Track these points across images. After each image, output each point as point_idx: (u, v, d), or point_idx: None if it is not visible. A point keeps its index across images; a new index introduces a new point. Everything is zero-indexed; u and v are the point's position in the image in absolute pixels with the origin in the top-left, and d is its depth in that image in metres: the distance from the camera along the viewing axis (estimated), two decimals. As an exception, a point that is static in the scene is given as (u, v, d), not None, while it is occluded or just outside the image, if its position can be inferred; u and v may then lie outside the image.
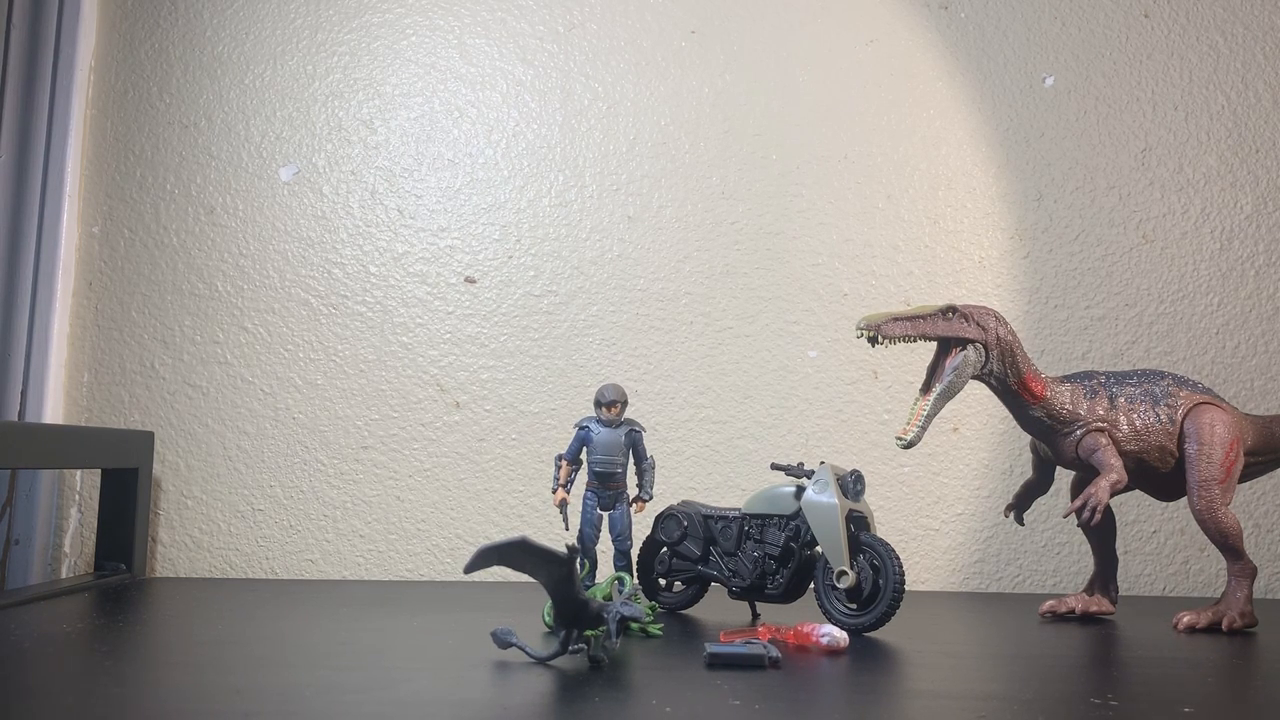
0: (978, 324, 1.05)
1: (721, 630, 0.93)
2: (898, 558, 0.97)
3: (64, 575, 1.38)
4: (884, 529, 1.38)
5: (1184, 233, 1.49)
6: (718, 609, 1.10)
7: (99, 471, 1.35)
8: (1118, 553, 1.19)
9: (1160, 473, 1.09)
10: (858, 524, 1.00)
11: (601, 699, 0.69)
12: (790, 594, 1.03)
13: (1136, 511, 1.43)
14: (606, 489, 1.08)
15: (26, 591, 1.19)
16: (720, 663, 0.79)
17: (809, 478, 1.02)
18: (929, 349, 1.07)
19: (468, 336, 1.46)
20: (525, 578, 0.79)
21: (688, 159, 1.50)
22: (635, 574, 1.10)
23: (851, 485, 1.00)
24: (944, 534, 1.45)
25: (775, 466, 1.05)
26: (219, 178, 1.48)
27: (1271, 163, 1.51)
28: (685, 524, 1.09)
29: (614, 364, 1.46)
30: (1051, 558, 1.44)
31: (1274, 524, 1.45)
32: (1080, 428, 1.07)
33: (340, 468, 1.44)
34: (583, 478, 1.10)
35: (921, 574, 1.42)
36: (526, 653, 0.80)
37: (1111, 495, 1.04)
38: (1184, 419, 1.08)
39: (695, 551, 1.08)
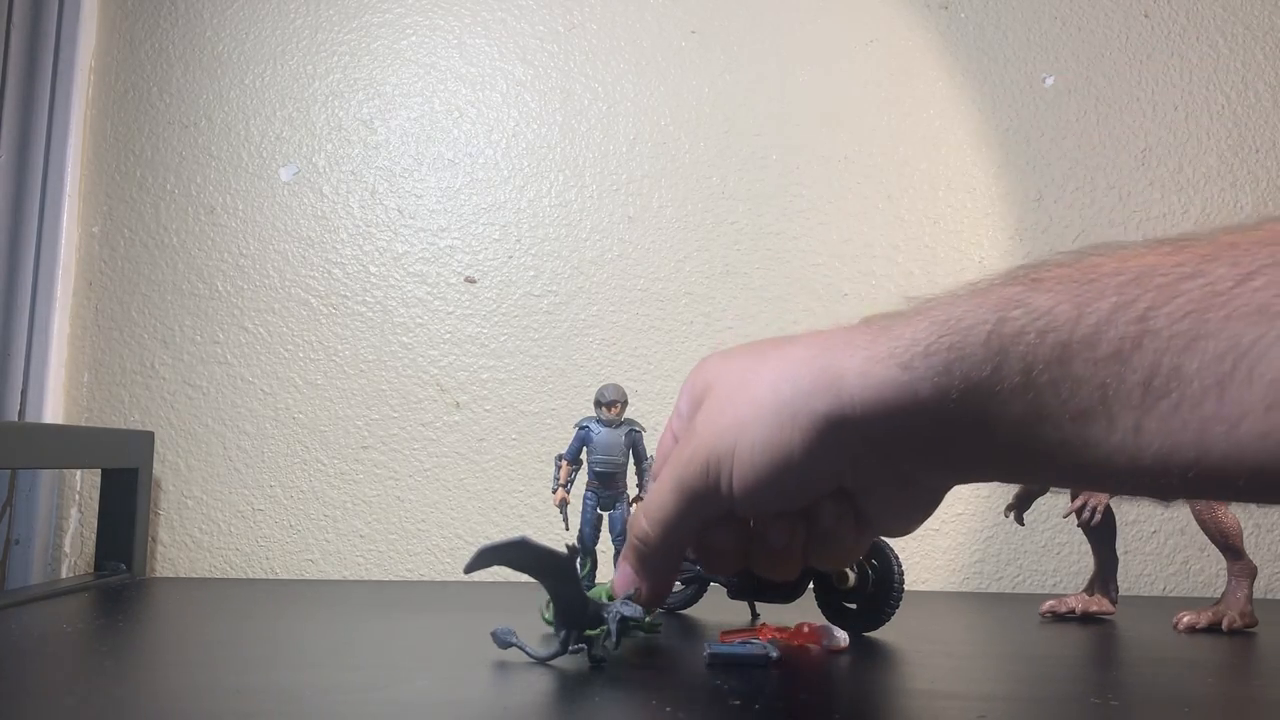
0: (978, 324, 1.05)
1: (721, 630, 0.93)
2: (897, 558, 0.97)
3: (64, 575, 1.38)
4: (884, 529, 1.38)
5: (1184, 233, 1.49)
6: (718, 609, 1.10)
7: (99, 471, 1.35)
8: (1118, 553, 1.19)
9: (1160, 473, 1.09)
10: (858, 524, 1.00)
11: (601, 699, 0.69)
12: (790, 594, 1.03)
13: (1136, 511, 1.43)
14: (606, 489, 1.08)
15: (26, 591, 1.19)
16: (720, 663, 0.79)
17: (809, 478, 1.01)
18: (929, 349, 1.07)
19: (468, 336, 1.46)
20: (525, 578, 0.78)
21: (688, 159, 1.50)
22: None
23: (851, 485, 1.00)
24: (944, 534, 1.45)
25: (775, 466, 1.05)
26: (219, 178, 1.48)
27: (1271, 163, 1.51)
28: (685, 524, 1.09)
29: (614, 364, 1.46)
30: (1051, 558, 1.44)
31: (1274, 524, 1.45)
32: (1080, 428, 1.07)
33: (340, 468, 1.44)
34: (583, 478, 1.10)
35: (921, 574, 1.42)
36: (526, 653, 0.80)
37: (1111, 495, 1.04)
38: (1184, 419, 1.08)
39: (695, 551, 1.08)
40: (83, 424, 1.42)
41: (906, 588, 0.97)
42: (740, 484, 0.56)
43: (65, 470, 1.39)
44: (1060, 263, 0.48)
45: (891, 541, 1.08)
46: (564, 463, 1.09)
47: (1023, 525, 1.23)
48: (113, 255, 1.46)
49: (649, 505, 0.60)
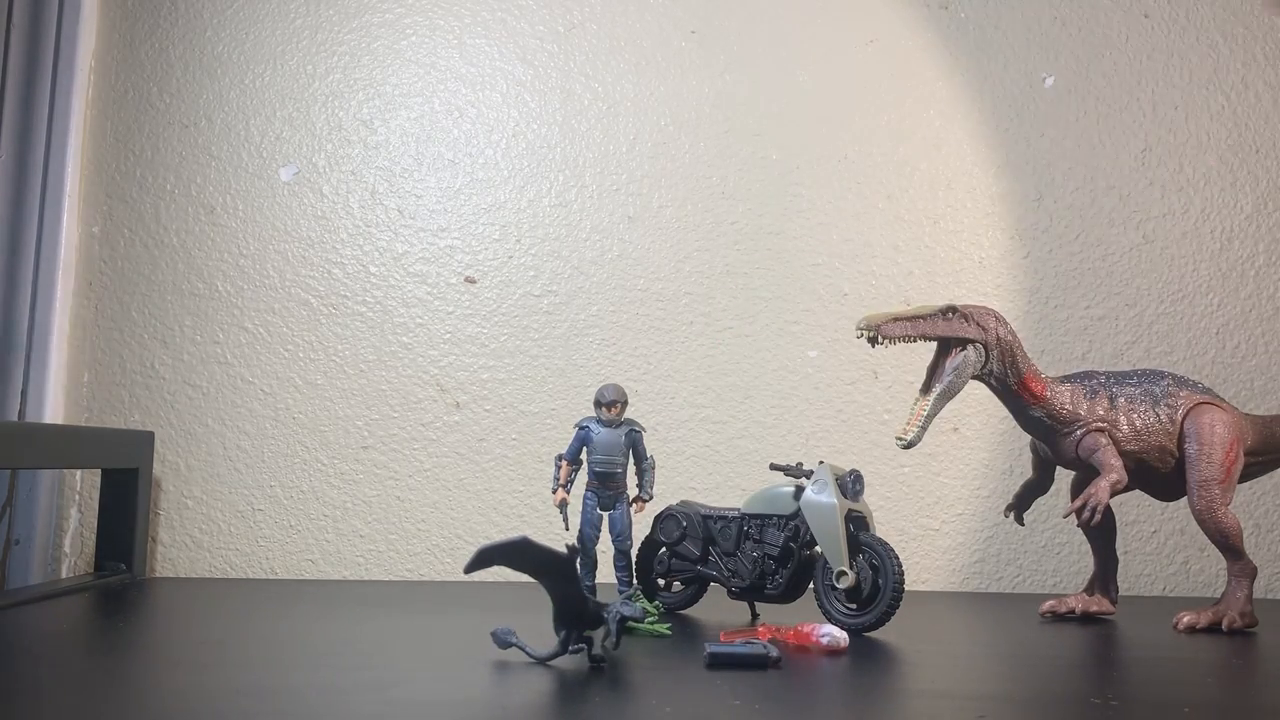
0: (978, 324, 1.05)
1: (721, 630, 0.93)
2: (897, 557, 0.97)
3: (64, 575, 1.38)
4: (884, 529, 1.38)
5: (1184, 233, 1.49)
6: (718, 609, 1.10)
7: (99, 471, 1.35)
8: (1118, 553, 1.19)
9: (1160, 473, 1.09)
10: (857, 524, 1.00)
11: (601, 699, 0.69)
12: (790, 594, 1.03)
13: (1136, 511, 1.43)
14: (606, 489, 1.08)
15: (26, 591, 1.19)
16: (720, 663, 0.79)
17: (808, 478, 1.02)
18: (929, 349, 1.07)
19: (468, 336, 1.46)
20: (525, 578, 0.79)
21: (688, 159, 1.50)
22: (634, 574, 1.10)
23: (850, 485, 1.00)
24: (944, 534, 1.45)
25: (774, 467, 1.05)
26: (219, 178, 1.48)
27: (1271, 163, 1.51)
28: (684, 524, 1.09)
29: (614, 364, 1.46)
30: (1051, 558, 1.44)
31: (1274, 524, 1.45)
32: (1080, 428, 1.07)
33: (340, 468, 1.44)
34: (583, 478, 1.10)
35: (921, 574, 1.42)
36: (526, 653, 0.80)
37: (1111, 495, 1.04)
38: (1184, 419, 1.08)
39: (694, 552, 1.08)
40: (83, 424, 1.42)
41: (906, 588, 0.97)
42: None
43: (65, 470, 1.39)
44: None
45: (891, 541, 1.08)
46: (564, 463, 1.09)
47: (1023, 525, 1.23)
48: (113, 255, 1.46)
49: None
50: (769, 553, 1.03)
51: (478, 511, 1.43)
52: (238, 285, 1.46)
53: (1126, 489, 1.07)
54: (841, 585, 0.97)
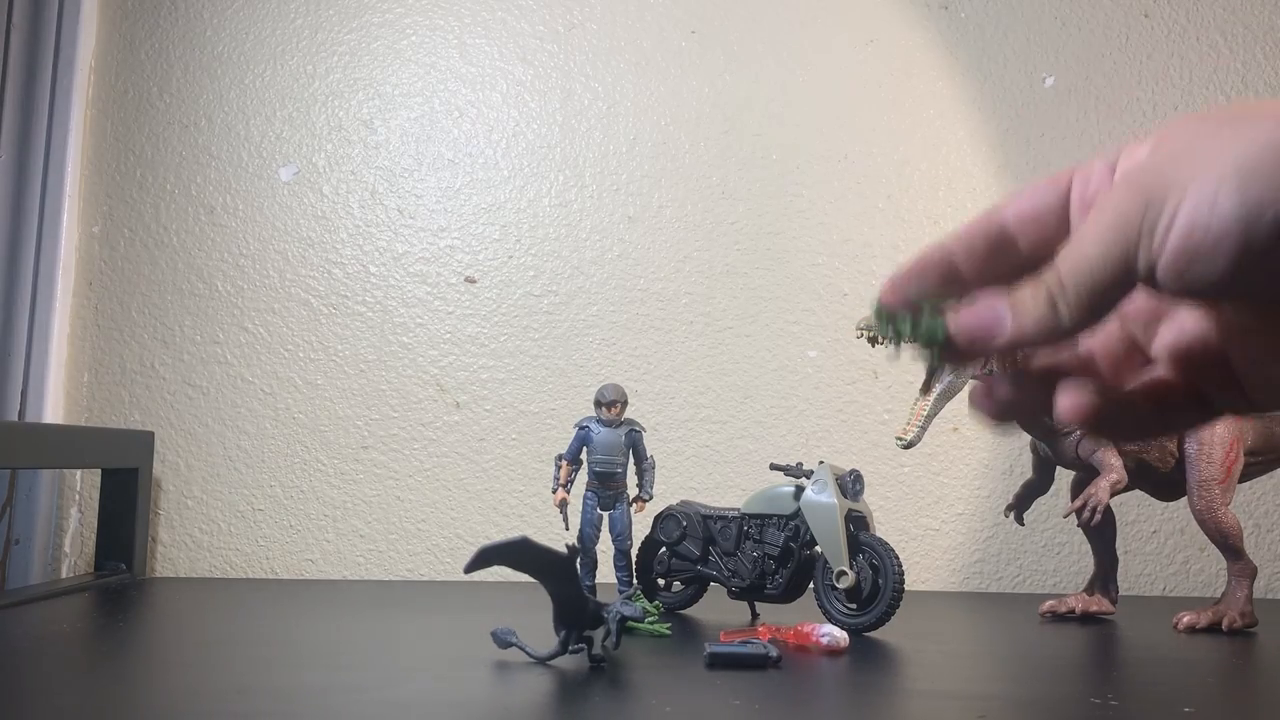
0: (978, 324, 1.05)
1: (721, 630, 0.93)
2: (897, 557, 0.97)
3: (64, 575, 1.38)
4: (884, 529, 1.38)
5: (1184, 233, 1.49)
6: (718, 609, 1.10)
7: (99, 471, 1.35)
8: (1118, 553, 1.19)
9: (1160, 472, 1.09)
10: (857, 524, 1.00)
11: (601, 699, 0.69)
12: (790, 594, 1.03)
13: (1136, 511, 1.43)
14: (606, 489, 1.08)
15: (26, 591, 1.19)
16: (720, 663, 0.79)
17: (808, 478, 1.02)
18: (929, 349, 1.07)
19: (468, 336, 1.46)
20: (525, 577, 0.79)
21: (688, 159, 1.50)
22: (634, 574, 1.10)
23: (850, 485, 1.00)
24: (944, 534, 1.45)
25: (774, 467, 1.05)
26: (219, 178, 1.48)
27: (1271, 163, 1.50)
28: (684, 524, 1.09)
29: (614, 364, 1.46)
30: (1051, 558, 1.44)
31: (1274, 524, 1.45)
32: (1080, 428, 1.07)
33: (340, 468, 1.43)
34: (583, 478, 1.10)
35: (921, 574, 1.42)
36: (526, 653, 0.80)
37: (1111, 495, 1.04)
38: (1184, 419, 1.08)
39: (694, 551, 1.08)
40: (83, 424, 1.42)
41: (906, 588, 0.97)
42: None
43: (65, 470, 1.39)
44: None
45: (891, 541, 1.08)
46: (564, 463, 1.09)
47: (1023, 525, 1.23)
48: (113, 255, 1.46)
49: (1068, 261, 0.38)
50: (769, 553, 1.03)
51: (478, 511, 1.43)
52: (238, 285, 1.46)
53: (1126, 489, 1.07)
54: (841, 585, 0.97)
